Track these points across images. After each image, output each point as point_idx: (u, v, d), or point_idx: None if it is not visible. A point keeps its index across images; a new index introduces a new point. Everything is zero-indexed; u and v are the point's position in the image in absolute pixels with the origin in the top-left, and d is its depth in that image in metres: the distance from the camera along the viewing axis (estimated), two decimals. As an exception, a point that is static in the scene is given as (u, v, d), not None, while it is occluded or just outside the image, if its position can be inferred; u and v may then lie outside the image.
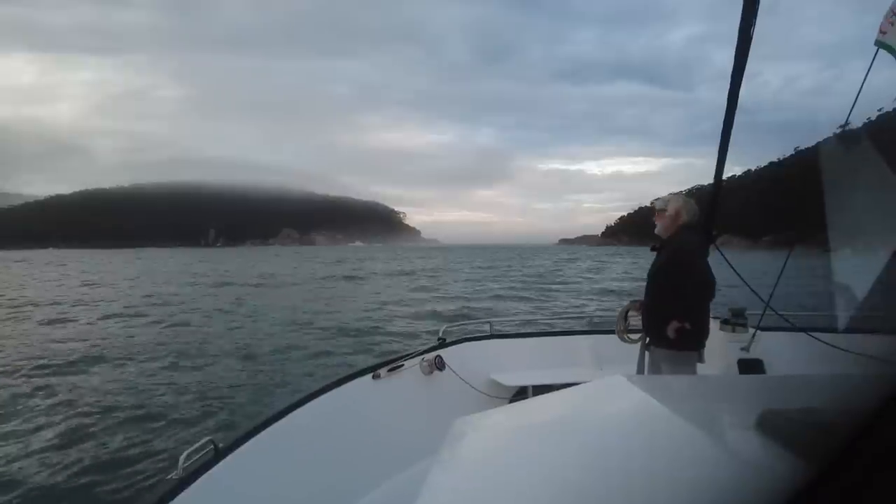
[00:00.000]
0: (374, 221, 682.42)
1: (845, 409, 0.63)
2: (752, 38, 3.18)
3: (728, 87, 3.51)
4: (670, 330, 3.07)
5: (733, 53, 3.33)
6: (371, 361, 3.86)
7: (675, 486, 0.88)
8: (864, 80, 3.06)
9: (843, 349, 3.46)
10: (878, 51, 3.04)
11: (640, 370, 3.39)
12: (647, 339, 3.38)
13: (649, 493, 0.88)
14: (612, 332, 3.66)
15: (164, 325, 15.68)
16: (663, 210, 3.33)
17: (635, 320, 3.58)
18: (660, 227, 3.34)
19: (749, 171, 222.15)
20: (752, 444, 0.92)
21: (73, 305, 20.59)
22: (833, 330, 3.73)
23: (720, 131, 3.69)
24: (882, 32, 3.03)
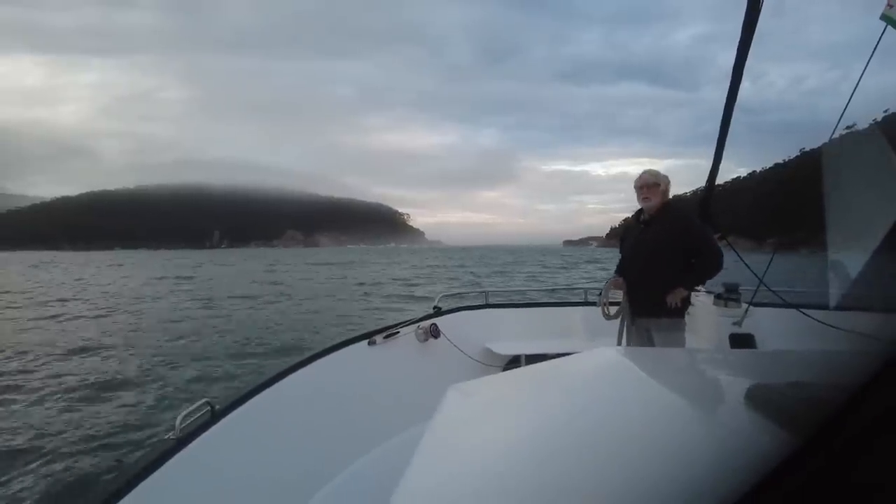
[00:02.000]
0: (378, 223, 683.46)
1: (833, 383, 0.64)
2: (753, 34, 3.19)
3: (728, 85, 3.53)
4: (676, 298, 3.14)
5: (744, 50, 3.35)
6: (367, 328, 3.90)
7: (664, 456, 0.89)
8: (871, 57, 3.01)
9: (833, 326, 3.48)
10: (886, 27, 2.99)
11: (621, 341, 3.42)
12: (633, 311, 3.39)
13: (638, 464, 0.89)
14: None
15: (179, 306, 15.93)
16: (657, 184, 3.32)
17: (613, 297, 3.60)
18: (653, 202, 3.32)
19: (754, 172, 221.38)
20: (741, 416, 0.93)
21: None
22: (824, 307, 3.74)
23: (720, 128, 3.72)
24: (890, 6, 2.94)
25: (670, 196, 3.38)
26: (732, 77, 3.51)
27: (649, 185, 3.32)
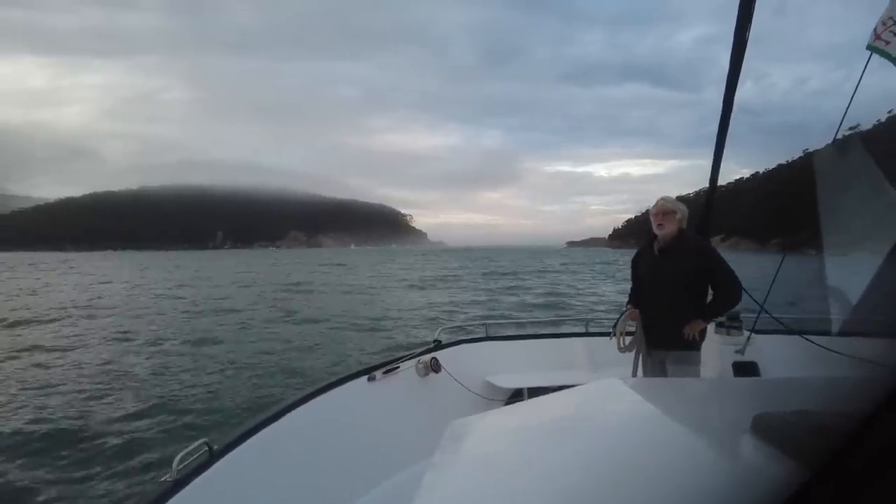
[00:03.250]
0: (381, 224, 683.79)
1: (839, 411, 0.63)
2: (747, 39, 3.19)
3: (724, 90, 3.53)
4: (694, 330, 3.09)
5: (739, 56, 3.35)
6: (366, 363, 3.86)
7: (670, 488, 0.88)
8: (858, 84, 3.04)
9: (836, 352, 3.44)
10: (871, 55, 3.01)
11: (636, 373, 3.38)
12: (648, 343, 3.33)
13: (644, 496, 0.88)
14: (607, 334, 3.66)
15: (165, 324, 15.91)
16: (673, 212, 3.23)
17: (627, 327, 3.55)
18: (668, 229, 3.23)
19: (757, 173, 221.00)
20: (747, 446, 0.92)
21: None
22: (827, 333, 3.72)
23: (719, 135, 3.71)
24: (884, 41, 2.98)
25: (685, 223, 3.30)
26: (727, 84, 3.51)
27: (665, 212, 3.23)
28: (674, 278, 3.18)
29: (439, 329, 4.57)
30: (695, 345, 3.16)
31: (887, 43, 2.97)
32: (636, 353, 3.40)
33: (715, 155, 3.88)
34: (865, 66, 3.01)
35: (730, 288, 3.12)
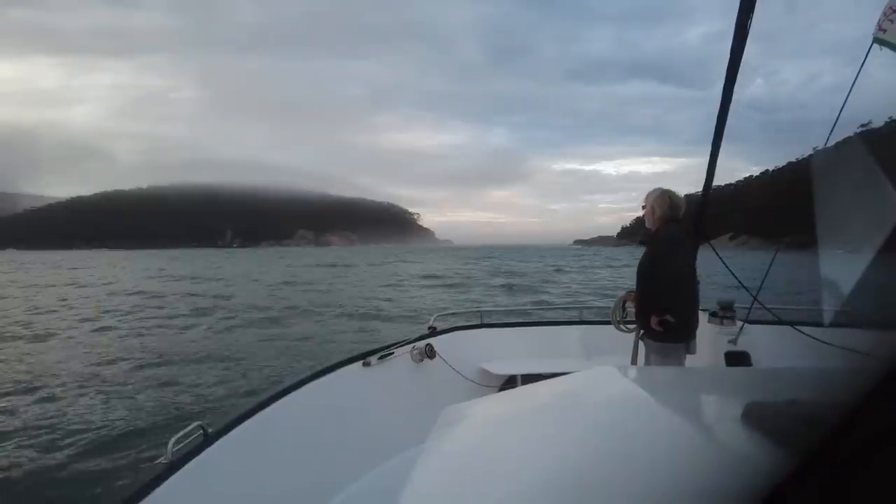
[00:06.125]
0: (389, 222, 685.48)
1: (829, 401, 0.63)
2: (748, 33, 3.21)
3: (723, 85, 3.55)
4: (652, 322, 3.15)
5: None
6: (361, 349, 3.88)
7: (660, 475, 0.89)
8: (856, 77, 3.07)
9: (828, 343, 3.49)
10: (871, 47, 3.01)
11: (634, 360, 3.46)
12: (641, 331, 3.44)
13: (635, 483, 0.89)
14: (602, 322, 3.69)
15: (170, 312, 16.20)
16: (643, 206, 3.46)
17: (632, 310, 3.65)
18: (646, 222, 3.45)
19: (767, 171, 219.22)
20: (737, 435, 0.94)
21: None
22: (819, 324, 3.77)
23: (718, 130, 3.74)
24: (882, 30, 2.99)
25: (658, 212, 3.35)
26: (725, 83, 3.53)
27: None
28: (638, 269, 3.42)
29: (434, 315, 4.59)
30: (672, 337, 3.16)
31: (885, 31, 3.00)
32: (634, 341, 3.51)
33: (711, 157, 3.91)
34: (865, 58, 3.03)
35: (668, 284, 3.15)
